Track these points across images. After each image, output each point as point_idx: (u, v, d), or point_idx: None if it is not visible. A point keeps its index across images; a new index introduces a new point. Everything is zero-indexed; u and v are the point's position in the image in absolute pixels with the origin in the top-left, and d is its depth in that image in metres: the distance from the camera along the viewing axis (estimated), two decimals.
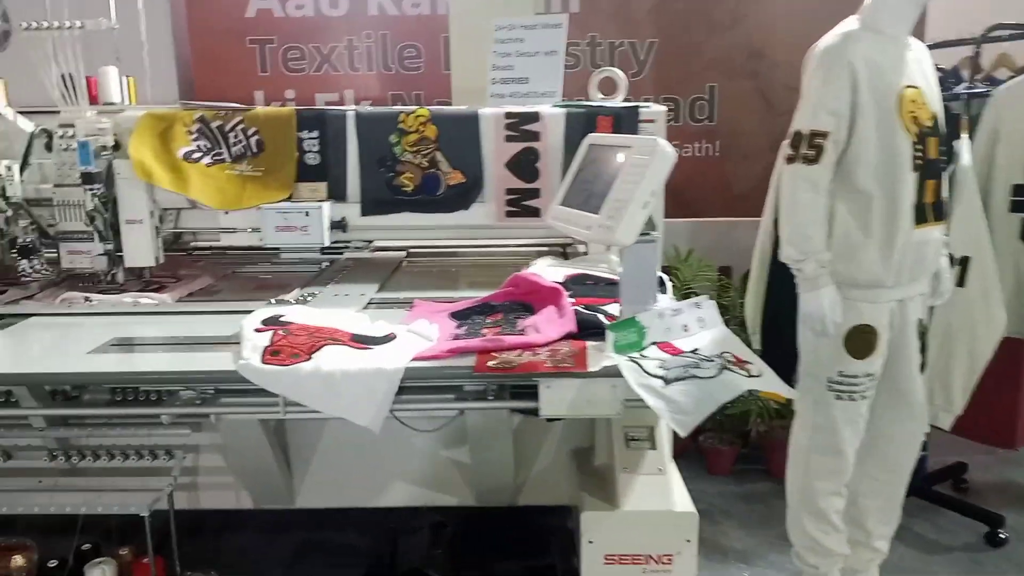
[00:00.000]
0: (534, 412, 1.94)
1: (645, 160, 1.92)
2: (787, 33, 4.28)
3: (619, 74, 2.89)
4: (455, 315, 2.30)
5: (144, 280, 2.79)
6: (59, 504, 2.39)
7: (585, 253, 2.95)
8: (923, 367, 2.71)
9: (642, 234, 1.94)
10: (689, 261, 4.11)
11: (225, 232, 2.79)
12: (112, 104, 2.82)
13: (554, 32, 2.96)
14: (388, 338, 2.07)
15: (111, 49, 2.77)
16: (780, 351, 2.71)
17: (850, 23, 2.49)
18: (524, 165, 2.74)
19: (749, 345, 2.51)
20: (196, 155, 2.69)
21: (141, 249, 2.68)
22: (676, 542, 2.25)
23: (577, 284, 2.47)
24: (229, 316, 2.33)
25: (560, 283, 2.38)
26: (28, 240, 2.68)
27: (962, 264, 2.93)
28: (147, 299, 2.60)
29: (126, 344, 2.20)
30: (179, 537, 2.48)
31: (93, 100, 2.78)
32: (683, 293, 3.74)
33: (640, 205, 1.89)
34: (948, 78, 3.27)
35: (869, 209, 2.45)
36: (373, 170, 2.73)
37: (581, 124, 2.70)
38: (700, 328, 2.06)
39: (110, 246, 2.66)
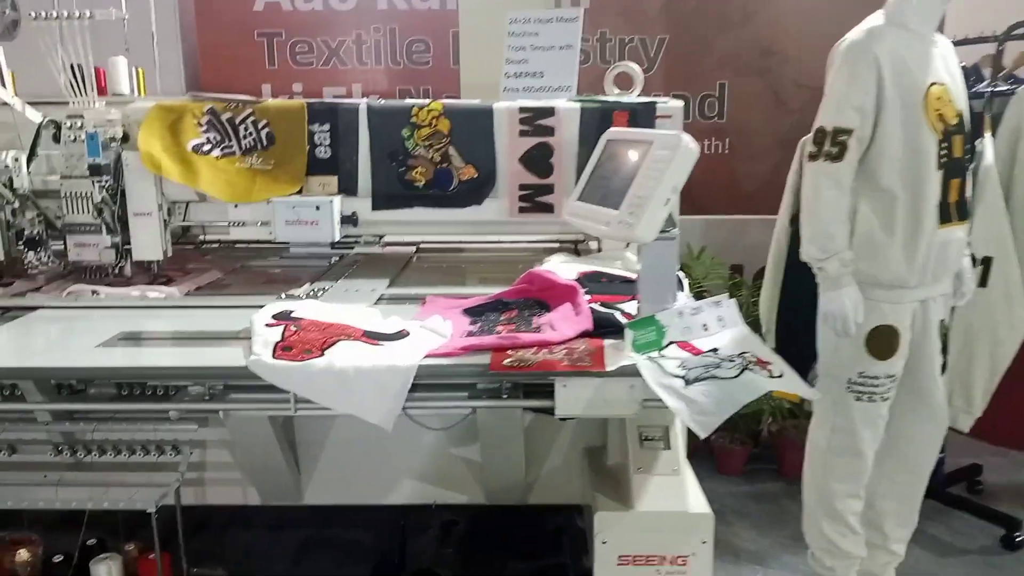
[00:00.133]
0: (549, 411, 1.90)
1: (667, 155, 1.87)
2: (799, 30, 4.27)
3: (635, 69, 2.85)
4: (468, 312, 2.26)
5: (152, 273, 2.76)
6: (64, 499, 2.35)
7: (599, 250, 2.91)
8: (944, 368, 2.67)
9: (662, 231, 1.90)
10: (701, 259, 4.08)
11: (234, 226, 2.75)
12: (121, 95, 2.79)
13: (570, 26, 2.92)
14: (401, 334, 2.04)
15: (120, 39, 2.74)
16: (794, 350, 2.67)
17: (875, 19, 2.45)
18: (538, 160, 2.70)
19: None
20: (206, 147, 2.66)
21: (149, 242, 2.66)
22: (691, 543, 2.22)
23: (592, 281, 2.43)
24: (238, 311, 2.30)
25: (575, 280, 2.34)
26: (35, 232, 2.65)
27: (984, 264, 2.89)
28: (155, 292, 2.57)
29: (134, 338, 2.18)
30: (186, 533, 2.45)
31: (102, 91, 2.75)
32: (696, 292, 3.71)
33: (662, 201, 1.85)
34: (969, 76, 3.21)
35: (893, 208, 2.42)
36: (385, 164, 2.70)
37: (596, 119, 2.66)
38: (720, 327, 2.02)
39: (118, 239, 2.63)
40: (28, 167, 2.62)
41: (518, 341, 1.95)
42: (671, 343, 1.94)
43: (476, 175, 2.71)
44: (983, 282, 2.89)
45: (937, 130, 2.38)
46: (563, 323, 2.06)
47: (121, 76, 2.81)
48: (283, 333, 1.98)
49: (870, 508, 2.74)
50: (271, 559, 2.85)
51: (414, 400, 1.88)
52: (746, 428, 4.02)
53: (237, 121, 2.68)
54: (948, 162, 2.42)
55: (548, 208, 2.71)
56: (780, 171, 4.31)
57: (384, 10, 4.35)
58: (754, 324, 3.27)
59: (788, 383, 1.86)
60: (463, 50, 3.93)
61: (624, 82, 2.86)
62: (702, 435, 1.76)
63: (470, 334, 2.06)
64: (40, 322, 2.34)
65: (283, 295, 2.48)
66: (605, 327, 2.03)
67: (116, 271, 2.69)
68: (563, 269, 2.52)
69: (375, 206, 2.73)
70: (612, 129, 2.40)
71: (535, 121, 2.69)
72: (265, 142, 2.69)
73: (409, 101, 2.73)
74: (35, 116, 2.69)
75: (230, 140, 2.68)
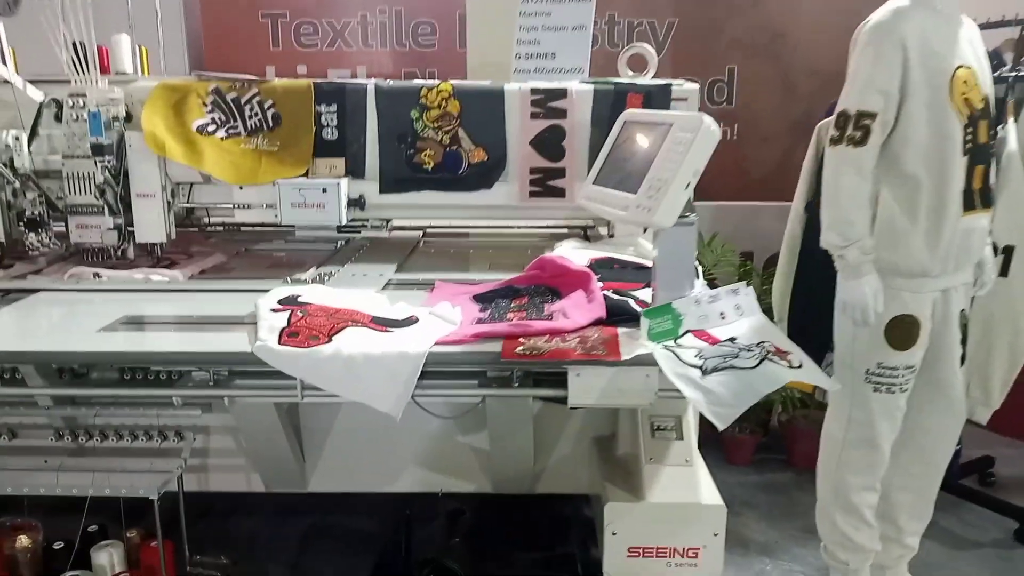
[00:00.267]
0: (562, 400, 1.86)
1: (688, 138, 1.82)
2: (809, 15, 4.25)
3: (649, 50, 2.79)
4: (478, 298, 2.22)
5: (155, 256, 2.73)
6: (65, 485, 2.33)
7: (610, 236, 2.86)
8: (963, 359, 2.62)
9: (680, 216, 1.84)
10: (712, 246, 4.02)
11: (239, 208, 2.71)
12: (124, 74, 2.75)
13: (582, 6, 2.87)
14: (410, 321, 1.99)
15: (123, 17, 2.69)
16: (807, 339, 2.62)
17: None
18: (549, 143, 2.65)
19: None
20: (210, 128, 2.62)
21: (152, 224, 2.62)
22: (703, 535, 2.20)
23: (604, 268, 2.39)
24: (243, 295, 2.26)
25: (587, 267, 2.29)
26: (36, 213, 2.60)
27: (1005, 253, 2.82)
28: (158, 276, 2.54)
29: (136, 322, 2.14)
30: (189, 520, 2.43)
31: (104, 69, 2.69)
32: (706, 279, 3.65)
33: (682, 185, 1.80)
34: (990, 60, 3.15)
35: (917, 195, 2.36)
36: (393, 146, 2.65)
37: (610, 102, 2.62)
38: (737, 316, 1.97)
39: (120, 220, 2.59)
40: (29, 147, 2.57)
41: (530, 329, 1.91)
42: (687, 332, 1.89)
43: (486, 158, 2.66)
44: (1004, 271, 2.83)
45: (963, 115, 2.32)
46: (575, 310, 2.01)
47: (124, 54, 2.76)
48: (289, 319, 1.94)
49: (884, 501, 2.69)
50: (274, 547, 2.83)
51: (423, 388, 1.83)
52: (755, 417, 3.97)
53: (243, 101, 2.63)
54: (973, 148, 2.35)
55: (559, 192, 2.67)
56: (790, 157, 4.30)
57: None
58: (766, 312, 3.23)
59: (808, 374, 1.81)
60: (470, 32, 3.87)
61: (638, 64, 2.80)
62: (720, 427, 1.71)
63: (480, 321, 2.01)
64: (41, 305, 2.31)
65: (289, 279, 2.44)
66: (618, 315, 1.98)
67: (118, 253, 2.66)
68: (575, 255, 2.48)
69: (383, 189, 2.68)
70: (629, 110, 2.34)
71: (547, 103, 2.64)
72: (271, 123, 2.64)
73: (418, 82, 2.68)
74: (36, 95, 2.64)
75: (235, 120, 2.63)
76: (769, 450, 4.00)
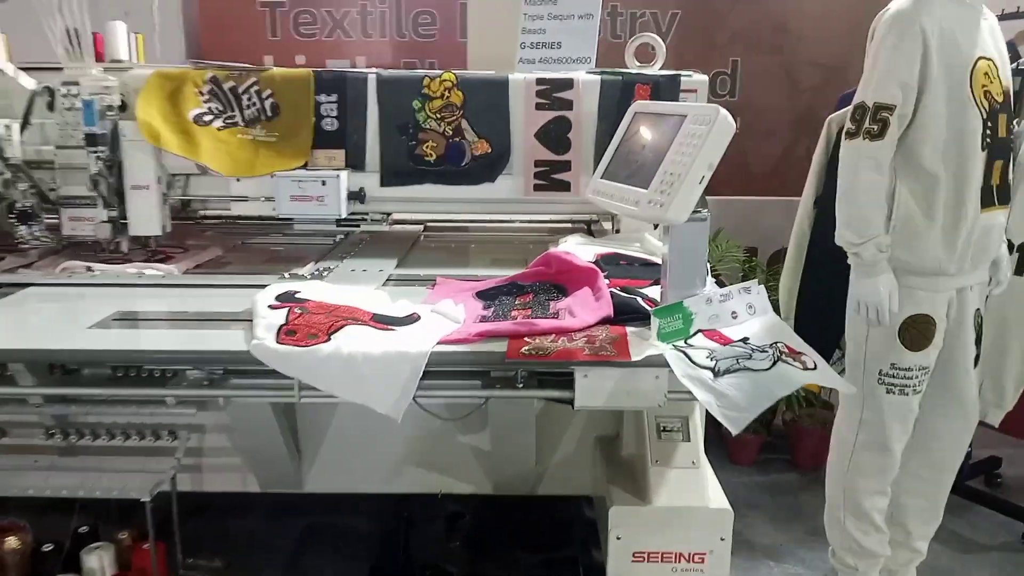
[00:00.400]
0: (568, 402, 1.80)
1: (703, 130, 1.75)
2: (813, 8, 4.22)
3: (657, 40, 2.73)
4: (481, 295, 2.15)
5: (149, 250, 2.66)
6: (55, 486, 2.29)
7: (616, 231, 2.79)
8: (976, 360, 2.56)
9: (693, 212, 1.78)
10: (716, 242, 3.96)
11: (236, 200, 2.64)
12: (119, 62, 2.68)
13: None
14: (411, 319, 1.93)
15: (119, 3, 2.63)
16: (813, 338, 2.57)
17: None
18: (555, 135, 2.59)
19: None
20: (207, 118, 2.55)
21: (147, 217, 2.55)
22: (709, 540, 2.15)
23: (610, 264, 2.32)
24: (240, 290, 2.19)
25: (592, 263, 2.23)
26: (27, 205, 2.54)
27: (1021, 252, 2.76)
28: (152, 270, 2.47)
29: (130, 319, 2.08)
30: (182, 521, 2.40)
31: (99, 57, 2.64)
32: (712, 275, 3.61)
33: (696, 180, 1.73)
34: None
35: (934, 191, 2.30)
36: (394, 138, 2.59)
37: (618, 93, 2.56)
38: (749, 315, 1.90)
39: (114, 213, 2.52)
40: (21, 136, 2.50)
41: (535, 327, 1.84)
42: (698, 331, 1.82)
43: (490, 150, 2.59)
44: (1020, 270, 2.78)
45: (983, 108, 2.26)
46: (582, 309, 1.94)
47: (119, 42, 2.69)
48: (287, 316, 1.88)
49: (893, 505, 2.65)
50: (270, 549, 2.80)
51: (424, 388, 1.76)
52: (760, 416, 3.88)
53: (240, 90, 2.57)
54: (992, 142, 2.30)
55: (565, 186, 2.60)
56: (794, 151, 4.25)
57: None
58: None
59: (822, 376, 1.76)
60: (471, 23, 3.81)
61: (645, 55, 2.73)
62: (734, 431, 1.65)
63: (483, 319, 1.95)
64: (32, 300, 2.24)
65: (287, 274, 2.38)
66: (626, 313, 1.92)
67: (112, 247, 2.60)
68: (580, 251, 2.41)
69: (384, 182, 2.61)
70: (639, 102, 2.27)
71: (552, 94, 2.57)
72: (269, 112, 2.57)
73: (420, 72, 2.62)
74: (29, 83, 2.58)
75: (233, 110, 2.57)
76: (773, 450, 3.95)
